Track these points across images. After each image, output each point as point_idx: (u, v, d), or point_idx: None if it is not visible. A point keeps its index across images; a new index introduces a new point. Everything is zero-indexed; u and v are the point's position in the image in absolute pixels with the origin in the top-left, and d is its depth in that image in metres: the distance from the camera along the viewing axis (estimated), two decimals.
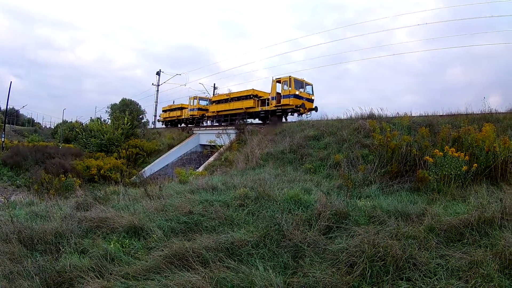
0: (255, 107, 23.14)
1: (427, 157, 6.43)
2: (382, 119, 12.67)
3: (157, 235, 4.46)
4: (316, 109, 21.06)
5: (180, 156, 24.35)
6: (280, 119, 21.19)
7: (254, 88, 23.77)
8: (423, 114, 12.84)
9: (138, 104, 54.25)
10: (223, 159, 14.22)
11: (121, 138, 25.24)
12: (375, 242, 3.56)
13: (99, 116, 38.13)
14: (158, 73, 44.82)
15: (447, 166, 5.91)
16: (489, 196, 4.96)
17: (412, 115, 12.69)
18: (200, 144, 25.06)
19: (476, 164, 5.95)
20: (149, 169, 21.37)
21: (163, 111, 40.04)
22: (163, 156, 23.89)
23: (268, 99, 22.12)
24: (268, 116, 21.99)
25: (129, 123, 26.77)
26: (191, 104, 31.54)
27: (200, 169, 14.69)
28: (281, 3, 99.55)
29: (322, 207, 4.80)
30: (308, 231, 4.24)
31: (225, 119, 25.63)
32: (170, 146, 25.18)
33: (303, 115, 20.27)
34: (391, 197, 5.80)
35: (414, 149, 7.35)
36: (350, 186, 6.50)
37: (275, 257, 3.80)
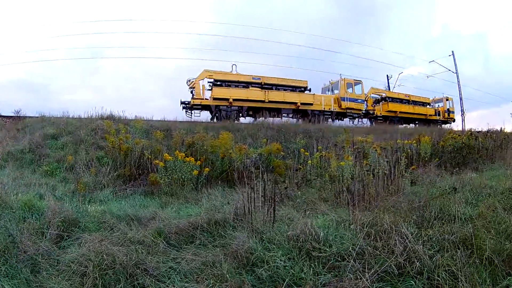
0: None
1: (157, 161, 6.67)
2: (121, 121, 12.60)
3: None
4: None
5: None
6: None
7: None
8: (164, 119, 13.50)
9: None
10: None
11: None
12: (100, 249, 3.44)
13: None
14: None
15: (178, 170, 6.27)
16: (224, 198, 5.53)
17: (153, 119, 13.09)
18: None
19: (208, 168, 6.71)
20: None
21: (217, 84, 18.05)
22: None
23: None
24: None
25: None
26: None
27: None
28: None
29: (52, 214, 4.44)
30: (41, 241, 3.87)
31: None
32: None
33: None
34: (124, 201, 5.80)
35: (147, 152, 7.50)
36: (82, 190, 6.21)
37: (17, 274, 3.37)
